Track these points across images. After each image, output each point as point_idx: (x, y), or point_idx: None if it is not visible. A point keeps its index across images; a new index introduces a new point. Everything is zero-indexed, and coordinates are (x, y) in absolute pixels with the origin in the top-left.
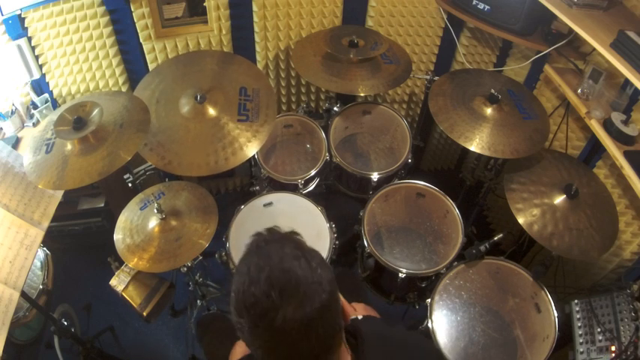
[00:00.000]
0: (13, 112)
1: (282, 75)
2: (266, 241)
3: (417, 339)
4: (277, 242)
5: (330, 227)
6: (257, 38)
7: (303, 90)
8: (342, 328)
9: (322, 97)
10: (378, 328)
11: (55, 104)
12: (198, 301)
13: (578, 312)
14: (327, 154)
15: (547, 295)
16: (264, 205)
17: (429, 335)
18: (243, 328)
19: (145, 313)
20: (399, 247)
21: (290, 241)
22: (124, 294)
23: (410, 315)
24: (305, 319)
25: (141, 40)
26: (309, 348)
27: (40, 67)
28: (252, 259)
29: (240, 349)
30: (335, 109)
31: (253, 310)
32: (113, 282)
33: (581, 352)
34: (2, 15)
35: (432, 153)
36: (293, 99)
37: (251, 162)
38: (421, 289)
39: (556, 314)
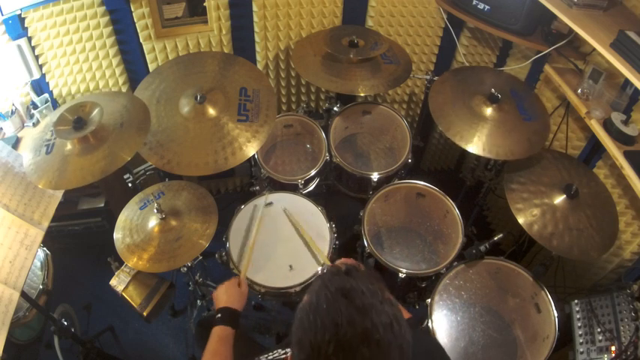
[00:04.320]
0: (13, 112)
1: (282, 75)
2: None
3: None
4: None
5: (330, 227)
6: (257, 38)
7: (303, 90)
8: None
9: (322, 97)
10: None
11: (55, 104)
12: (198, 301)
13: (578, 312)
14: (327, 154)
15: (547, 295)
16: (265, 205)
17: (428, 335)
18: None
19: (145, 313)
20: (399, 247)
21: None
22: (124, 294)
23: None
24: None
25: (141, 40)
26: None
27: (40, 67)
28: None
29: None
30: (335, 109)
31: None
32: (113, 282)
33: (581, 352)
34: (2, 15)
35: (432, 153)
36: (293, 99)
37: (251, 162)
38: (421, 289)
39: (556, 314)
